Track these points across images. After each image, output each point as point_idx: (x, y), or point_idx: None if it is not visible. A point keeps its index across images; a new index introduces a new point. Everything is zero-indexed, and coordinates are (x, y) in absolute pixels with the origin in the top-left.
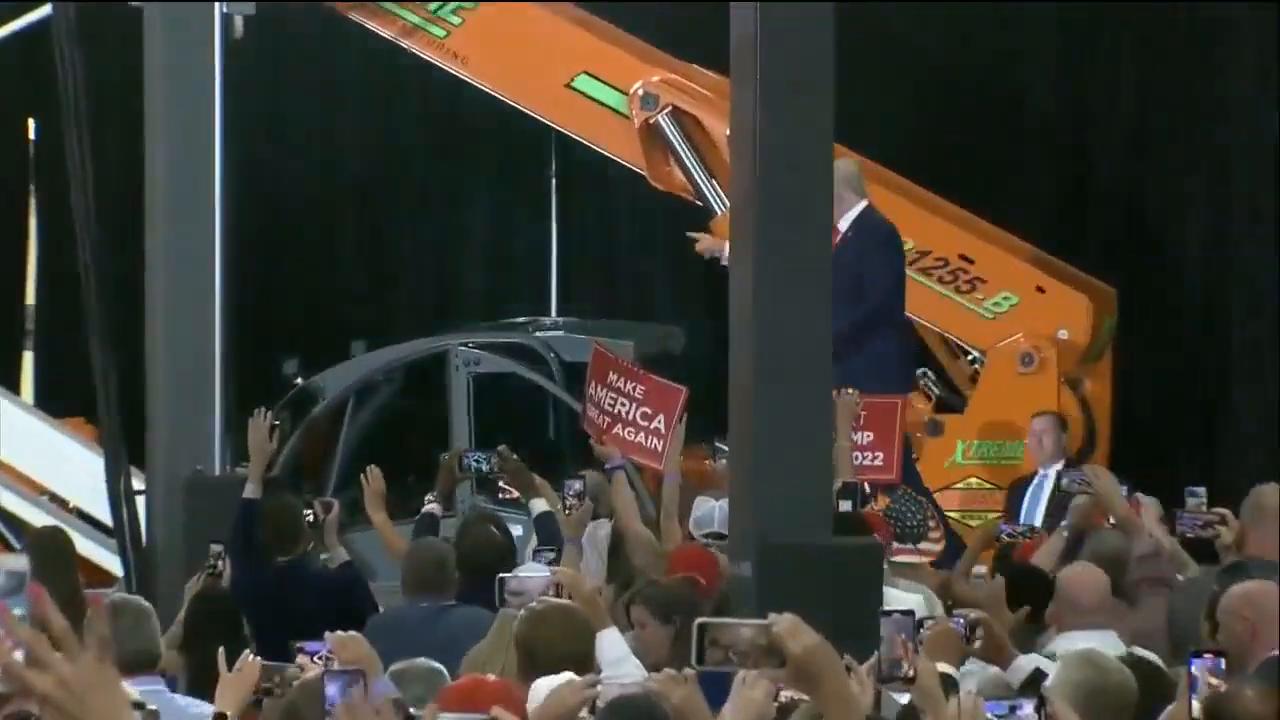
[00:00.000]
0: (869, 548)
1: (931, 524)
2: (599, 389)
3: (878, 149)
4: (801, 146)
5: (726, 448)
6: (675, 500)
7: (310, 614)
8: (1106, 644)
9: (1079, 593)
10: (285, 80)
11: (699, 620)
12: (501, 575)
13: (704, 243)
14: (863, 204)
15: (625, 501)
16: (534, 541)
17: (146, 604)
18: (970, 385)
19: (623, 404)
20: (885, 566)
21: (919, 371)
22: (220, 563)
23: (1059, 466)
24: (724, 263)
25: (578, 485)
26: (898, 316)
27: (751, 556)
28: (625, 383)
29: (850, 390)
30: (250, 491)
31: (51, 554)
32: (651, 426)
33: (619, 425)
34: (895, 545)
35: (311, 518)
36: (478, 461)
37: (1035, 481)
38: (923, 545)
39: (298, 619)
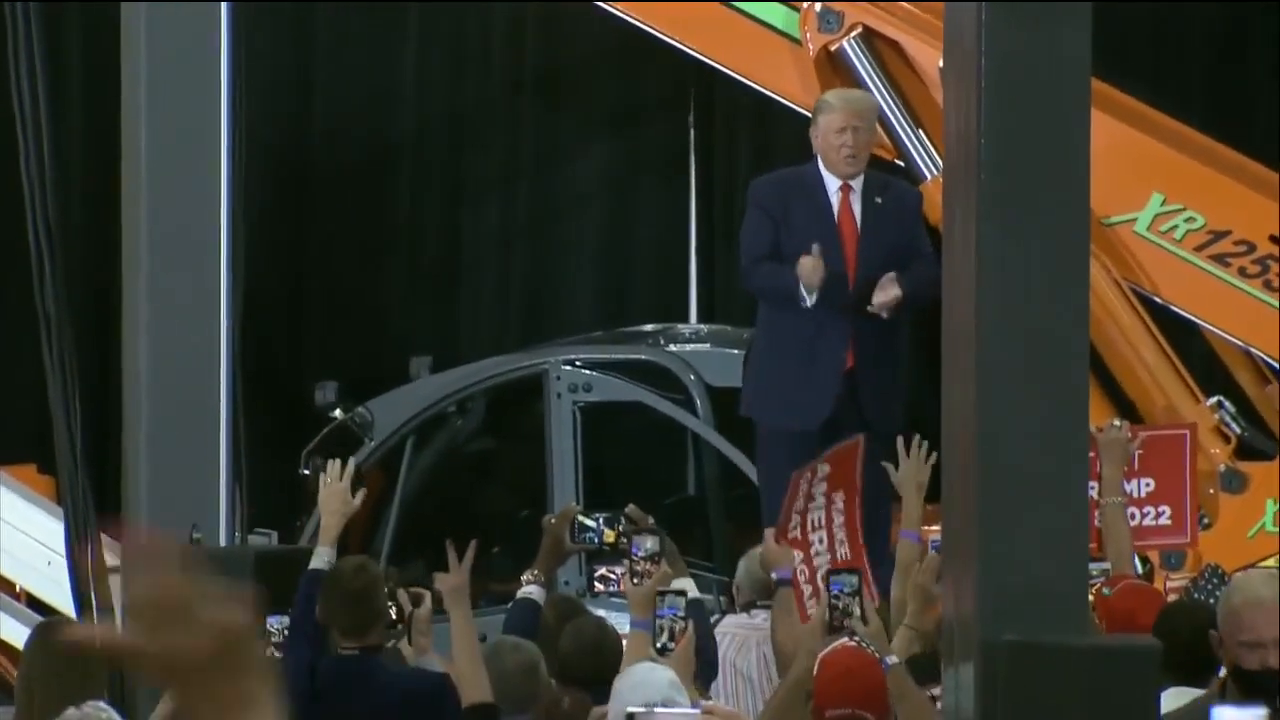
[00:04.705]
0: (1142, 651)
1: None
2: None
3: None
4: (1049, 79)
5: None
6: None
7: None
8: None
9: None
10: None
11: None
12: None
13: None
14: None
15: (792, 627)
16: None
17: None
18: None
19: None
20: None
21: (1211, 401)
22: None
23: None
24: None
25: (649, 543)
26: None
27: (972, 660)
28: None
29: (1117, 423)
30: (322, 561)
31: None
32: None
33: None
34: None
35: (394, 611)
36: (592, 532)
37: None
38: None
39: None
